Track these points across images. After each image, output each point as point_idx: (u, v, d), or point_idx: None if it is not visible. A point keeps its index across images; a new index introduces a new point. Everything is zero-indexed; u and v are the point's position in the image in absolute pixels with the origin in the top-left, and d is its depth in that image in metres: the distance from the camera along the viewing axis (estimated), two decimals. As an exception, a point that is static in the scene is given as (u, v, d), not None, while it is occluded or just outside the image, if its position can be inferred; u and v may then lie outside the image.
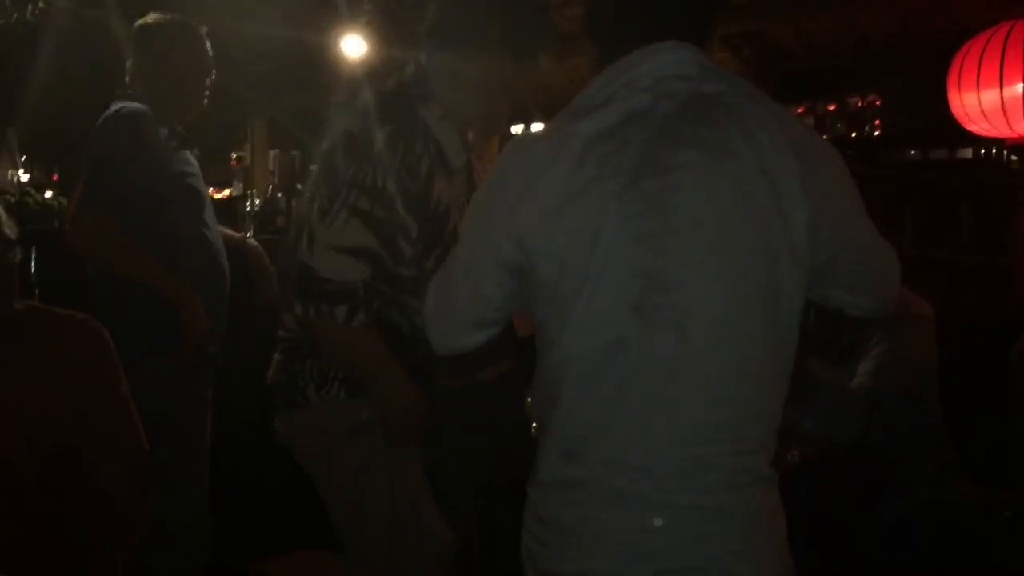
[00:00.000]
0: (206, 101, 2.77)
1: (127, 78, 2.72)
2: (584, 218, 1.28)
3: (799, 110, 9.23)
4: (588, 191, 1.28)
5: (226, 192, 6.66)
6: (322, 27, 4.89)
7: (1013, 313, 3.89)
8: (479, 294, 1.39)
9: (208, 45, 2.76)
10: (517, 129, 8.03)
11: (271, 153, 3.98)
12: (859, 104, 8.34)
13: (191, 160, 2.69)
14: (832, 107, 8.81)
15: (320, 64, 5.37)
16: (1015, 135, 3.76)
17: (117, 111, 2.57)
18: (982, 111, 3.72)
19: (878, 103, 7.73)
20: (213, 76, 2.77)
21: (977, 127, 3.83)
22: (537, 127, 8.04)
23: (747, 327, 1.30)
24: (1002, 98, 3.64)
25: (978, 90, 3.68)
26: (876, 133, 8.16)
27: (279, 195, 3.75)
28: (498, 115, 2.38)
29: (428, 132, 1.85)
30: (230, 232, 3.09)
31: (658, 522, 1.29)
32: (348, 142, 1.80)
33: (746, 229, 1.29)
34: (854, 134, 8.64)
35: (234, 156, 6.31)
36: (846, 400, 2.35)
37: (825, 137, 8.75)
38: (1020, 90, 3.60)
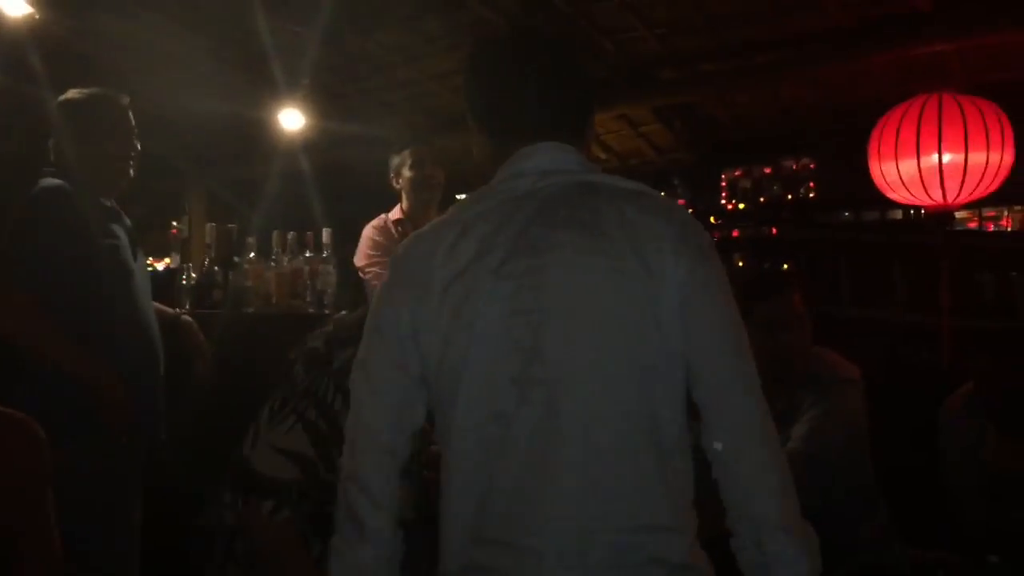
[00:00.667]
0: (132, 172, 2.74)
1: (51, 155, 2.70)
2: (464, 294, 1.33)
3: (736, 173, 9.48)
4: (468, 269, 1.33)
5: (166, 260, 6.59)
6: (260, 100, 4.93)
7: (943, 372, 4.00)
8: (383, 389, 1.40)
9: (130, 115, 2.74)
10: (461, 197, 8.13)
11: (208, 226, 3.96)
12: (794, 168, 8.61)
13: (119, 234, 2.66)
14: (768, 170, 9.06)
15: (258, 137, 5.39)
16: (933, 203, 3.91)
17: (37, 189, 2.54)
18: (901, 180, 3.87)
19: (812, 166, 7.98)
20: (137, 146, 2.74)
21: (896, 195, 3.98)
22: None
23: (620, 404, 1.31)
24: (919, 168, 3.80)
25: (896, 160, 3.83)
26: (811, 195, 8.41)
27: (216, 268, 3.72)
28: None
29: None
30: (163, 308, 3.06)
31: None
32: (310, 356, 2.01)
33: (618, 308, 1.32)
34: (790, 196, 8.90)
35: (174, 225, 6.26)
36: None
37: (763, 199, 9.03)
38: (935, 160, 3.76)
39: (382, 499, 1.39)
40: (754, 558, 1.31)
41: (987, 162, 3.75)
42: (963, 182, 3.79)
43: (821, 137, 5.43)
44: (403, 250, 1.44)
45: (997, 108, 3.81)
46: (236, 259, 3.76)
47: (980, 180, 3.80)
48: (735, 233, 10.09)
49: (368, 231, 3.95)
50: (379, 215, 4.04)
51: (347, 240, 4.13)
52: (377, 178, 5.09)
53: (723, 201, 10.01)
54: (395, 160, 4.02)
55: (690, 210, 10.20)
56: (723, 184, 9.75)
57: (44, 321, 2.43)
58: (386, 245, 3.88)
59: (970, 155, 3.74)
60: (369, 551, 1.38)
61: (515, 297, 1.32)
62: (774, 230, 9.43)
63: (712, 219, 10.04)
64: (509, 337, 1.31)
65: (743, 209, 9.63)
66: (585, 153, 1.48)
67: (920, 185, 3.84)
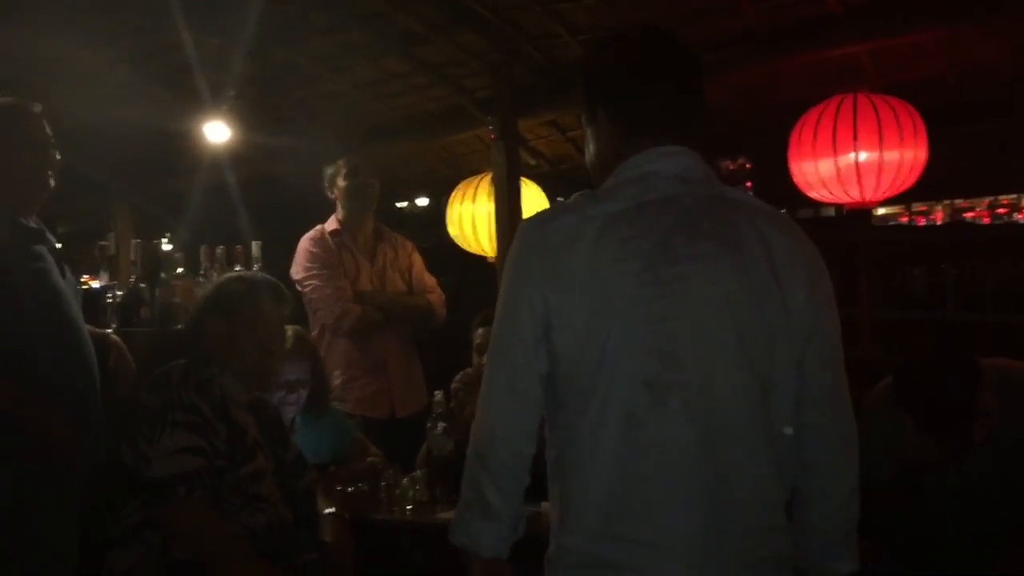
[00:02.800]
0: (52, 183, 2.62)
1: None
2: (605, 295, 1.38)
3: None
4: (609, 271, 1.38)
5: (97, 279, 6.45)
6: (184, 113, 4.86)
7: (863, 367, 4.09)
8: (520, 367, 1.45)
9: (44, 125, 2.62)
10: (401, 205, 8.14)
11: (133, 242, 3.89)
12: (731, 168, 8.76)
13: (43, 255, 2.60)
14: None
15: (184, 150, 5.32)
16: (851, 200, 4.02)
17: None
18: (820, 179, 3.98)
19: (748, 167, 8.13)
20: (55, 157, 2.62)
21: (816, 193, 4.09)
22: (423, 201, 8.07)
23: (749, 414, 1.40)
24: (837, 166, 3.91)
25: (815, 159, 3.94)
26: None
27: (142, 285, 3.65)
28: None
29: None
30: (92, 329, 3.00)
31: None
32: (151, 384, 2.36)
33: (752, 320, 1.40)
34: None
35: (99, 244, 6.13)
36: None
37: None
38: (852, 159, 3.87)
39: (510, 486, 1.47)
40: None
41: (901, 159, 3.88)
42: (879, 179, 3.90)
43: (756, 137, 5.53)
44: (537, 235, 1.45)
45: (909, 107, 3.94)
46: (163, 275, 3.69)
47: (895, 177, 3.92)
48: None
49: (304, 243, 3.93)
50: (312, 226, 4.03)
51: (280, 253, 4.10)
52: (308, 189, 5.08)
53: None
54: (329, 170, 4.01)
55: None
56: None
57: None
58: (323, 256, 3.86)
59: (885, 152, 3.85)
60: (492, 528, 1.47)
61: (656, 304, 1.37)
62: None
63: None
64: (647, 342, 1.37)
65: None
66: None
67: (838, 183, 3.95)
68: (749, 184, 9.03)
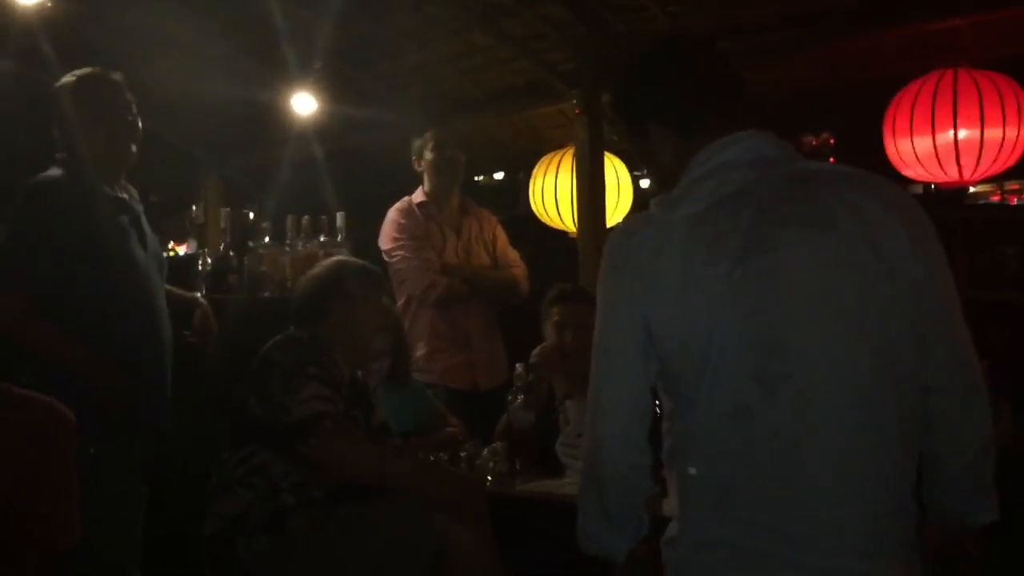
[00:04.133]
0: (134, 149, 2.68)
1: (56, 145, 2.66)
2: (699, 300, 1.37)
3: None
4: (700, 274, 1.38)
5: (185, 246, 6.63)
6: (272, 85, 4.93)
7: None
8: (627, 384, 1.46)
9: (126, 93, 2.68)
10: (479, 178, 8.16)
11: (223, 211, 3.98)
12: (813, 143, 8.55)
13: (124, 225, 2.64)
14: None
15: (271, 122, 5.40)
16: (948, 180, 3.89)
17: (30, 183, 2.53)
18: (916, 157, 3.85)
19: (831, 142, 7.92)
20: (138, 124, 2.68)
21: (912, 172, 3.96)
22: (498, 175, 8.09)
23: (866, 390, 1.37)
24: (935, 144, 3.77)
25: (911, 137, 3.81)
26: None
27: (231, 253, 3.74)
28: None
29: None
30: (181, 293, 3.08)
31: None
32: (280, 345, 2.49)
33: (855, 297, 1.37)
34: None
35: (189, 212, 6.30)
36: None
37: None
38: (951, 136, 3.74)
39: (629, 497, 1.48)
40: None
41: (1003, 137, 3.72)
42: (979, 158, 3.76)
43: (841, 113, 5.39)
44: (625, 251, 1.46)
45: (1013, 83, 3.78)
46: (251, 244, 3.78)
47: (997, 156, 3.77)
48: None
49: (393, 214, 3.97)
50: (394, 198, 4.06)
51: (362, 223, 4.15)
52: (390, 161, 5.11)
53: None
54: (417, 143, 4.04)
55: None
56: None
57: (40, 321, 2.45)
58: (411, 228, 3.90)
59: (986, 131, 3.71)
60: (618, 537, 1.50)
61: (752, 298, 1.37)
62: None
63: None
64: (749, 338, 1.36)
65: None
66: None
67: (936, 162, 3.82)
68: (832, 160, 8.83)
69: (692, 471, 1.42)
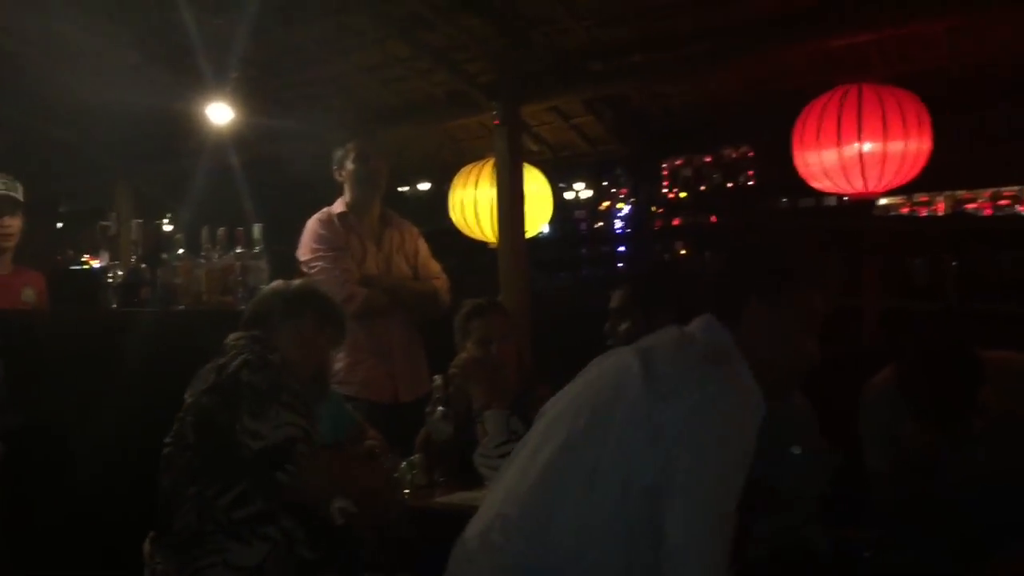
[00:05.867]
0: None
1: None
2: None
3: (677, 162, 9.58)
4: None
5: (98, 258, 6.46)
6: (187, 94, 4.85)
7: (866, 356, 4.10)
8: None
9: None
10: (404, 189, 8.13)
11: (134, 222, 3.89)
12: (733, 156, 8.74)
13: None
14: (708, 159, 9.18)
15: (186, 131, 5.31)
16: (854, 191, 4.01)
17: None
18: (823, 169, 3.97)
19: (750, 154, 8.09)
20: None
21: (820, 184, 4.08)
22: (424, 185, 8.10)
23: None
24: (841, 157, 3.90)
25: (818, 150, 3.93)
26: (750, 183, 8.55)
27: (143, 265, 3.65)
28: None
29: None
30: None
31: None
32: (249, 365, 2.28)
33: None
34: (730, 184, 9.05)
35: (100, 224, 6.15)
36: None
37: (703, 188, 9.13)
38: (856, 149, 3.86)
39: None
40: None
41: (905, 150, 3.87)
42: (883, 170, 3.89)
43: (758, 125, 5.53)
44: (744, 416, 1.60)
45: (915, 98, 3.93)
46: (164, 256, 3.70)
47: (899, 168, 3.91)
48: (676, 222, 10.27)
49: (312, 224, 3.93)
50: (314, 208, 4.02)
51: (282, 234, 4.10)
52: (309, 172, 5.06)
53: (664, 190, 10.17)
54: (338, 153, 4.01)
55: (632, 199, 10.39)
56: (664, 173, 9.91)
57: None
58: (331, 238, 3.87)
59: (889, 144, 3.84)
60: None
61: None
62: (713, 218, 9.62)
63: (654, 208, 10.21)
64: None
65: (684, 198, 9.80)
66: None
67: (842, 174, 3.94)
68: (751, 173, 9.02)
69: None
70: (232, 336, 2.42)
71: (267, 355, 2.34)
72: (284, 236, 4.11)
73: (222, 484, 2.21)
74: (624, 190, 11.27)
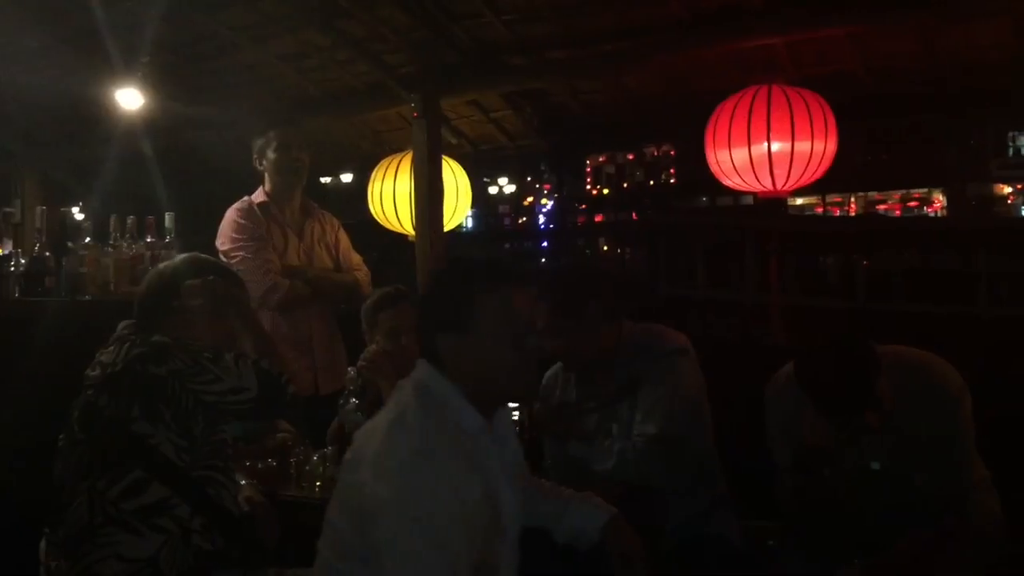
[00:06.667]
0: None
1: None
2: None
3: (601, 159, 9.66)
4: None
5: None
6: (96, 78, 4.71)
7: (772, 352, 4.21)
8: None
9: None
10: (325, 180, 8.03)
11: (38, 209, 3.77)
12: (655, 154, 8.85)
13: None
14: (631, 157, 9.29)
15: (96, 117, 5.16)
16: (764, 189, 4.11)
17: None
18: (734, 167, 4.06)
19: (672, 153, 8.20)
20: None
21: (731, 182, 4.17)
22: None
23: None
24: (751, 156, 3.99)
25: (730, 148, 4.01)
26: (672, 181, 8.69)
27: (47, 254, 3.55)
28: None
29: None
30: None
31: None
32: (152, 358, 2.17)
33: None
34: (652, 182, 9.18)
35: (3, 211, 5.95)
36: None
37: (625, 185, 9.22)
38: (765, 149, 3.96)
39: None
40: None
41: (812, 150, 3.97)
42: (790, 169, 4.00)
43: (679, 125, 5.62)
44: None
45: (821, 99, 4.04)
46: (70, 245, 3.60)
47: (806, 167, 4.02)
48: (599, 218, 10.36)
49: (232, 214, 3.85)
50: (232, 198, 3.95)
51: (197, 224, 4.02)
52: (226, 160, 4.98)
53: (588, 187, 10.25)
54: (259, 142, 3.93)
55: (555, 195, 10.45)
56: (588, 170, 9.99)
57: None
58: (251, 228, 3.79)
59: (796, 144, 3.95)
60: None
61: None
62: (634, 215, 9.74)
63: (577, 204, 10.29)
64: None
65: (607, 195, 9.90)
66: None
67: (752, 172, 4.03)
68: (672, 171, 9.17)
69: None
70: (121, 325, 2.35)
71: (159, 343, 2.23)
72: (201, 226, 4.03)
73: (112, 475, 2.14)
74: (548, 186, 11.34)
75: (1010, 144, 8.16)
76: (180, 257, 2.63)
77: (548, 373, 2.77)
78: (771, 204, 4.77)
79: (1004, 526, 2.35)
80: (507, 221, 11.57)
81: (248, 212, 3.83)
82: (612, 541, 1.92)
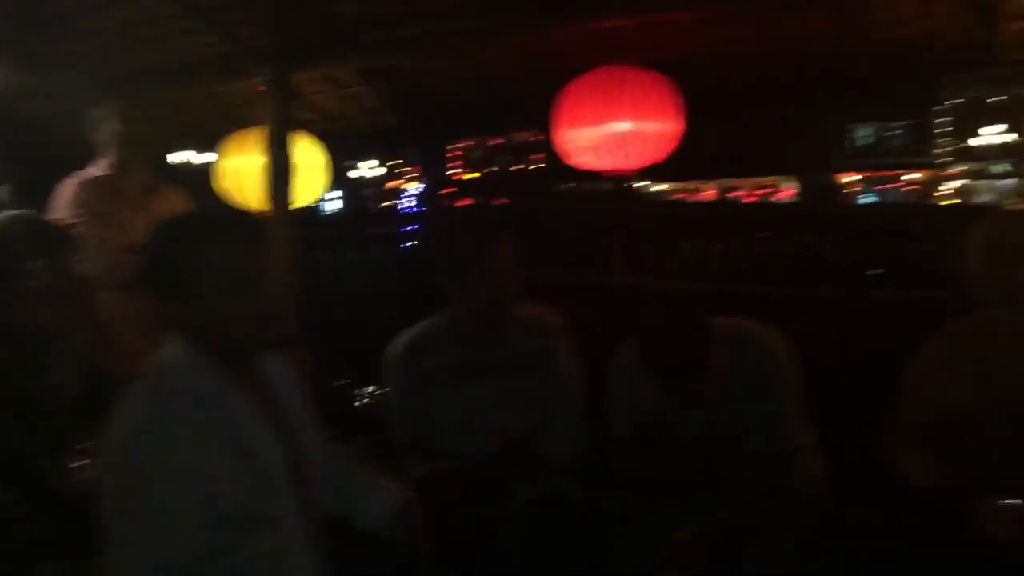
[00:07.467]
0: None
1: None
2: None
3: (470, 143, 9.64)
4: None
5: None
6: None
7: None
8: None
9: None
10: (174, 158, 7.73)
11: None
12: (527, 140, 8.90)
13: None
14: (500, 141, 9.32)
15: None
16: (612, 168, 4.19)
17: None
18: (583, 147, 4.12)
19: (540, 138, 8.24)
20: None
21: (580, 161, 4.23)
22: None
23: None
24: (599, 135, 4.06)
25: (577, 128, 4.07)
26: (540, 166, 8.75)
27: None
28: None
29: None
30: None
31: None
32: None
33: None
34: (520, 166, 9.24)
35: None
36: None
37: (495, 169, 9.20)
38: (613, 128, 4.03)
39: None
40: None
41: (658, 130, 4.07)
42: (638, 148, 4.08)
43: (547, 109, 5.66)
44: None
45: (666, 80, 4.14)
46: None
47: (653, 147, 4.12)
48: (466, 202, 10.35)
49: (70, 187, 3.66)
50: (72, 171, 3.75)
51: (34, 196, 3.81)
52: (70, 132, 4.73)
53: (453, 170, 10.23)
54: (99, 112, 3.75)
55: (423, 179, 10.38)
56: (456, 153, 9.96)
57: None
58: (92, 202, 3.61)
59: (643, 123, 4.03)
60: None
61: None
62: (504, 200, 9.79)
63: (442, 189, 10.26)
64: None
65: (475, 179, 9.90)
66: None
67: (600, 151, 4.10)
68: (542, 156, 9.25)
69: None
70: None
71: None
72: (42, 199, 3.83)
73: None
74: (415, 169, 11.28)
75: (846, 136, 8.88)
76: (10, 215, 2.49)
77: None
78: (631, 190, 4.86)
79: (825, 488, 2.46)
80: (371, 204, 11.46)
81: (89, 185, 3.66)
82: (404, 526, 1.98)
